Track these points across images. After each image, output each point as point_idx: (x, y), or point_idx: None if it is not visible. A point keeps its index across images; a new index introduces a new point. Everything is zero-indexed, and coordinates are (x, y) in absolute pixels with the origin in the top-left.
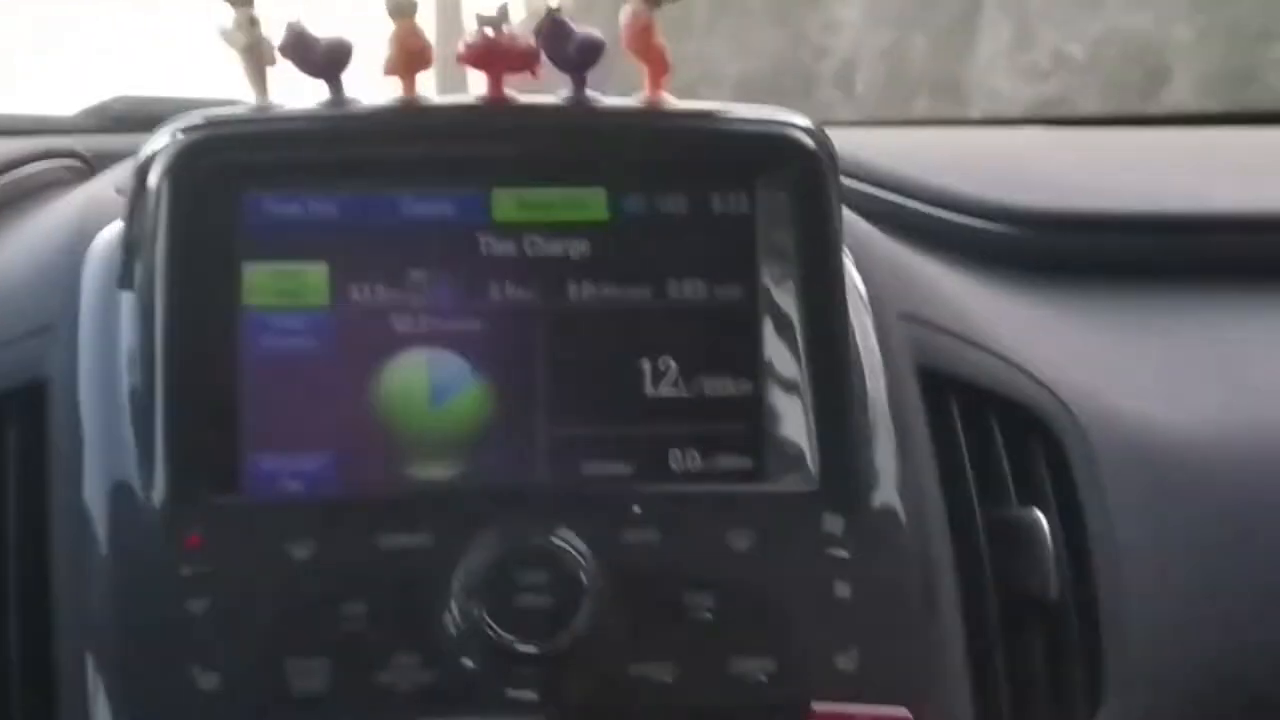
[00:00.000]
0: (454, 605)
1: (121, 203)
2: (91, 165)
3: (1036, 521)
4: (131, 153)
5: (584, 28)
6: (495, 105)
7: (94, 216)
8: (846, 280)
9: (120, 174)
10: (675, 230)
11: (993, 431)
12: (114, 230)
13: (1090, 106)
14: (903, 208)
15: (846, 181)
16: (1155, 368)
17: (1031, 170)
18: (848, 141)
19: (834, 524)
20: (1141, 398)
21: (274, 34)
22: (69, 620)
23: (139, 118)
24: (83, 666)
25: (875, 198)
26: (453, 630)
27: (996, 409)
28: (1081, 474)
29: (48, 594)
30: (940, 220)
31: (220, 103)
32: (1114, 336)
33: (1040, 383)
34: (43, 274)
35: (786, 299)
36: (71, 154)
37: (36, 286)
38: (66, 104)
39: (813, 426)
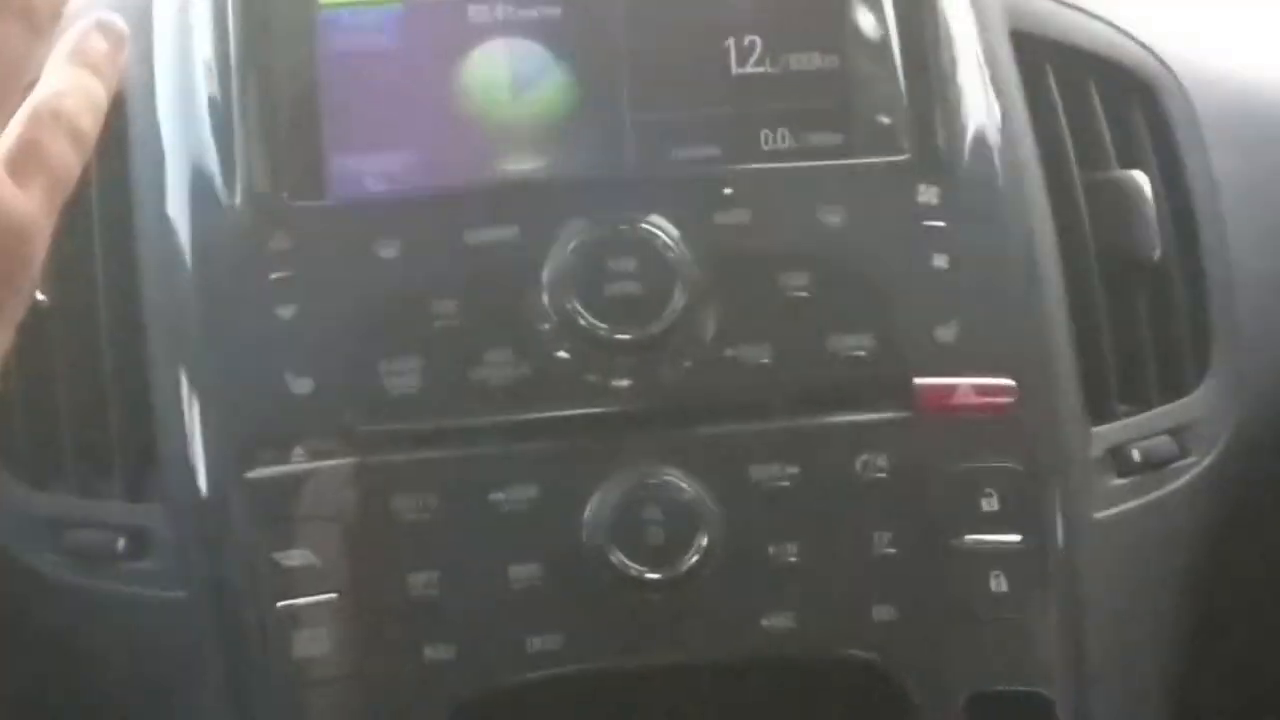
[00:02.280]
0: (545, 297)
1: None
2: None
3: (1137, 182)
4: None
5: None
6: None
7: None
8: None
9: None
10: None
11: (1090, 94)
12: None
13: None
14: None
15: None
16: (1257, 26)
17: None
18: None
19: (929, 194)
20: (1242, 56)
21: None
22: (160, 332)
23: None
24: (176, 378)
25: None
26: (545, 323)
27: (1094, 71)
28: (1183, 134)
29: (138, 307)
30: None
31: None
32: None
33: (1138, 42)
34: None
35: None
36: None
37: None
38: None
39: (902, 96)
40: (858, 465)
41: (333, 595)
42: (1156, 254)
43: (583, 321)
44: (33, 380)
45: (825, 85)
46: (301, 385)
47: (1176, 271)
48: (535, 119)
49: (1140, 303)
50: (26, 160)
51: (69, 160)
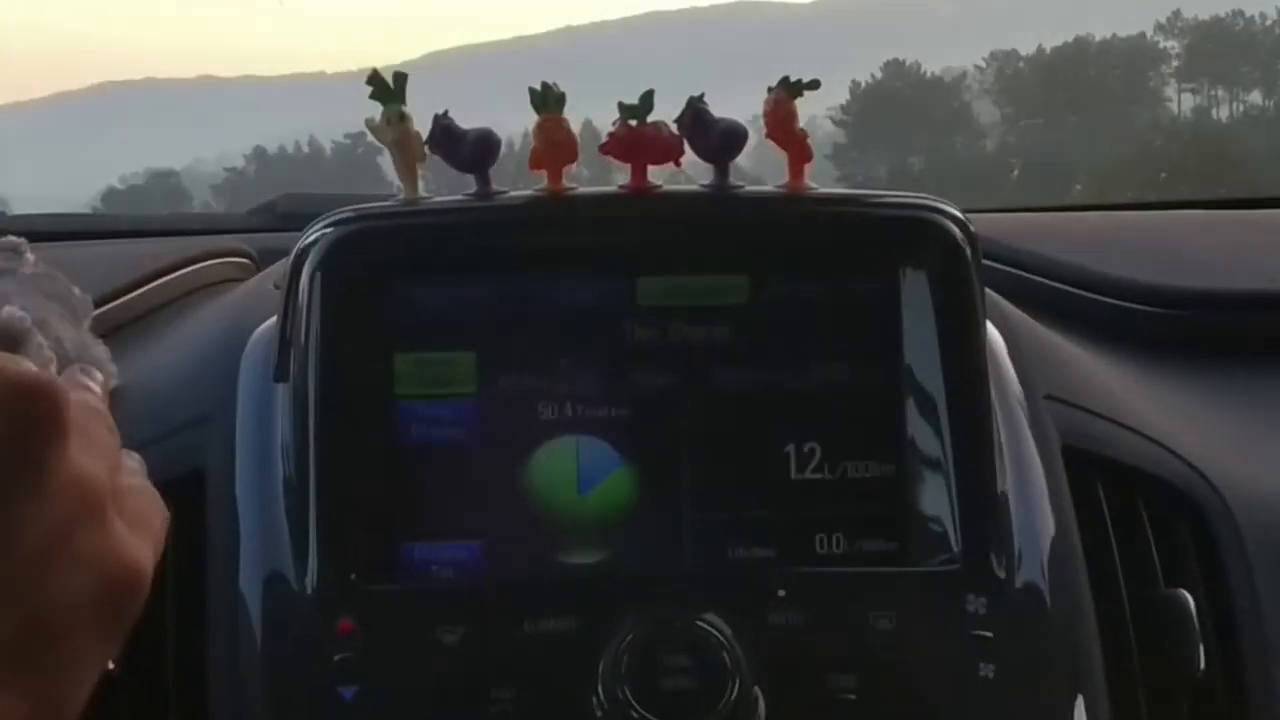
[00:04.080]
0: (600, 688)
1: (278, 297)
2: (257, 263)
3: (1183, 601)
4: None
5: (725, 117)
6: (639, 195)
7: (252, 312)
8: (993, 361)
9: (279, 270)
10: (817, 314)
11: (1139, 511)
12: (270, 324)
13: None
14: (1049, 289)
15: (993, 265)
16: None
17: (1177, 252)
18: (995, 226)
19: (977, 604)
20: None
21: (424, 129)
22: (225, 704)
23: (303, 215)
24: None
25: (1022, 280)
26: (599, 713)
27: (1142, 489)
28: (1228, 553)
29: (204, 677)
30: (1085, 301)
31: (375, 198)
32: (1260, 416)
33: (1186, 463)
34: (202, 368)
35: (929, 380)
36: (240, 253)
37: (196, 380)
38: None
39: (955, 507)
40: None
41: None
42: (1200, 670)
43: (635, 714)
44: None
45: (880, 493)
46: None
47: (1220, 686)
48: (598, 514)
49: (1183, 717)
50: (137, 518)
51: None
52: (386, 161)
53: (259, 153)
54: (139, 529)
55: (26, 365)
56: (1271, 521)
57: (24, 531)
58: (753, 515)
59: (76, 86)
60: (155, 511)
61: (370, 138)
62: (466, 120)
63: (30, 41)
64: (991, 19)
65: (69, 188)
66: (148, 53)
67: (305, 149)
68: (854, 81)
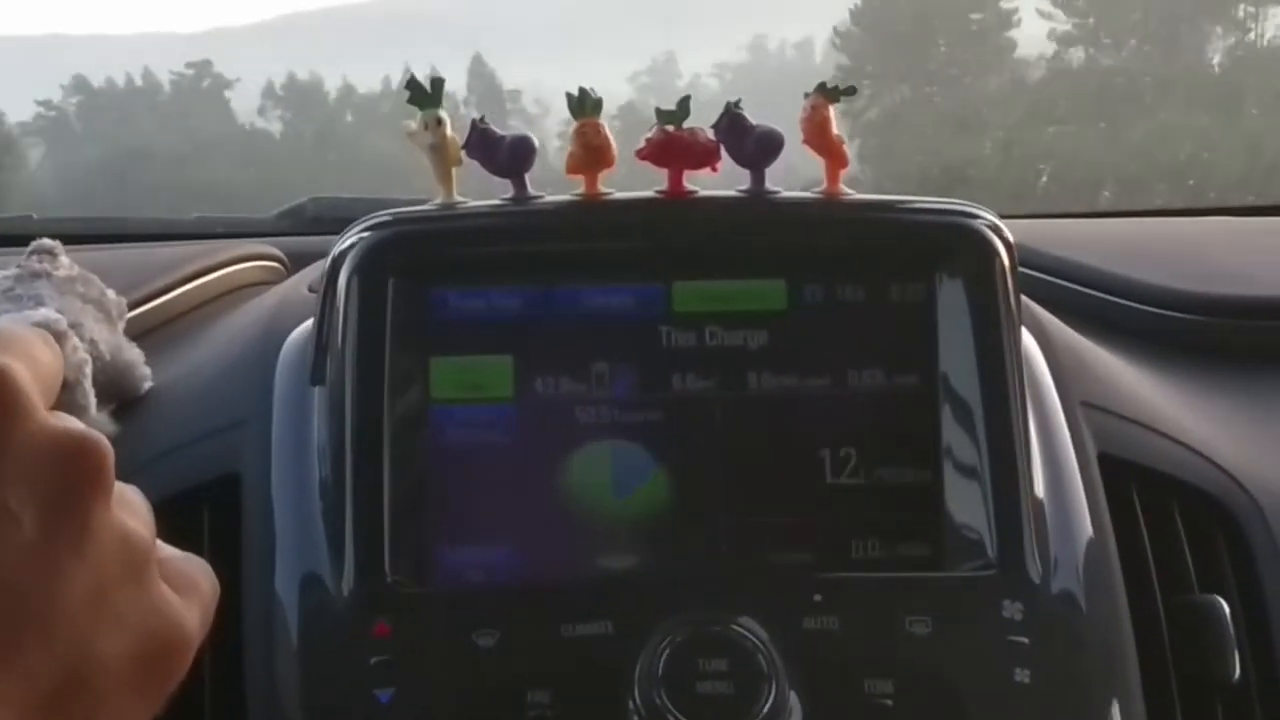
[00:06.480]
0: (636, 692)
1: (313, 301)
2: (288, 267)
3: (1218, 607)
4: (327, 253)
5: (762, 123)
6: (675, 200)
7: (286, 315)
8: (1029, 368)
9: (313, 274)
10: (854, 319)
11: (1174, 518)
12: (306, 328)
13: None
14: (1084, 296)
15: (1028, 271)
16: None
17: (1211, 259)
18: (1027, 232)
19: (1013, 610)
20: None
21: (461, 134)
22: (260, 705)
23: (333, 219)
24: None
25: (1057, 287)
26: (635, 717)
27: (1177, 495)
28: (1263, 559)
29: (240, 679)
30: (1120, 308)
31: (409, 202)
32: None
33: (1221, 469)
34: (237, 371)
35: (965, 386)
36: (271, 256)
37: (231, 383)
38: None
39: (991, 513)
40: None
41: None
42: (1235, 677)
43: (671, 718)
44: None
45: (916, 498)
46: None
47: (1255, 693)
48: (634, 519)
49: None
50: (185, 583)
51: (215, 589)
52: (236, 96)
53: (80, 84)
54: (186, 593)
55: (71, 420)
56: None
57: (68, 587)
58: (788, 520)
59: None
60: (204, 579)
61: (217, 68)
62: (329, 78)
63: None
64: None
65: None
66: None
67: (138, 81)
68: None
